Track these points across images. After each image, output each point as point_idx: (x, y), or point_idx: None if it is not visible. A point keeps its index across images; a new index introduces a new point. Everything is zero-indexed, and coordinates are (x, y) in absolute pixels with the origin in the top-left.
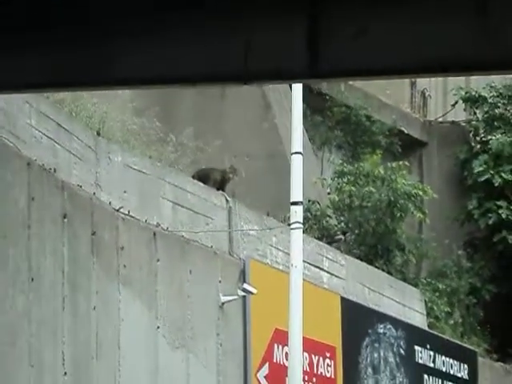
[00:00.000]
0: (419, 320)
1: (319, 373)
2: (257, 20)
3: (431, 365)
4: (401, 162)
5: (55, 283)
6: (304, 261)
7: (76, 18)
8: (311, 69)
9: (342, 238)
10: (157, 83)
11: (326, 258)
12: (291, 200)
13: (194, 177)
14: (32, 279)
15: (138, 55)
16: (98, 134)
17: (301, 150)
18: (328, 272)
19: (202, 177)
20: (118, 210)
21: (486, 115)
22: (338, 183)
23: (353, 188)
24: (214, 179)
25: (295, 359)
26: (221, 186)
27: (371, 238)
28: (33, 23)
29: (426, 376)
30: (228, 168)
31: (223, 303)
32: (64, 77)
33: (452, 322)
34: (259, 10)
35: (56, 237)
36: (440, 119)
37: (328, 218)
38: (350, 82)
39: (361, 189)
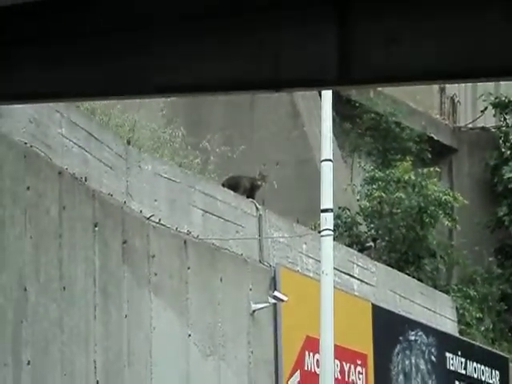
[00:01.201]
0: (450, 327)
1: (350, 380)
2: (287, 28)
3: (463, 371)
4: (432, 169)
5: (87, 292)
6: (334, 268)
7: (109, 27)
8: (342, 75)
9: (373, 244)
10: (189, 91)
11: (357, 265)
12: (321, 207)
13: (223, 185)
14: (64, 288)
15: (172, 64)
16: (129, 142)
17: (330, 157)
18: (359, 279)
19: (232, 184)
20: (148, 219)
21: None
22: (368, 189)
23: (383, 194)
24: (244, 187)
25: (326, 367)
26: (250, 193)
27: (401, 245)
28: (65, 34)
29: (457, 382)
30: (257, 175)
31: (254, 311)
32: (97, 86)
33: (483, 328)
34: (289, 17)
35: (87, 245)
36: (470, 125)
37: (358, 225)
38: (379, 89)
39: (391, 195)
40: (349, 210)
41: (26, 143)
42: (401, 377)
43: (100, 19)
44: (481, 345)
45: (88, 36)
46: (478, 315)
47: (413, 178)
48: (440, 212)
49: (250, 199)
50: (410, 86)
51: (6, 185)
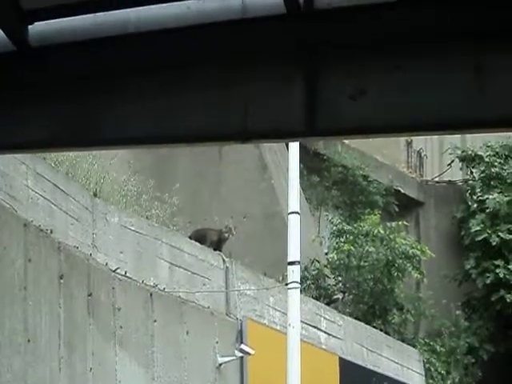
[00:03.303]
0: (418, 380)
1: None
2: (255, 80)
3: None
4: (400, 222)
5: (51, 344)
6: (302, 321)
7: (67, 78)
8: (309, 127)
9: (340, 297)
10: (154, 142)
11: (324, 318)
12: (288, 260)
13: (190, 237)
14: (28, 340)
15: (134, 115)
16: (95, 195)
17: (298, 210)
18: (326, 332)
19: (199, 237)
20: (114, 271)
21: (482, 174)
22: (337, 242)
23: (352, 247)
24: (211, 239)
25: None
26: (217, 246)
27: (369, 298)
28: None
29: None
30: (224, 228)
31: (220, 364)
32: (60, 137)
33: (450, 382)
34: (257, 70)
35: (52, 298)
36: (436, 179)
37: (326, 278)
38: (347, 142)
39: (360, 248)
40: (318, 261)
41: None
42: None
43: (57, 69)
44: None
45: (45, 86)
46: (444, 370)
47: (382, 231)
48: (408, 265)
49: (217, 252)
50: (378, 137)
51: None
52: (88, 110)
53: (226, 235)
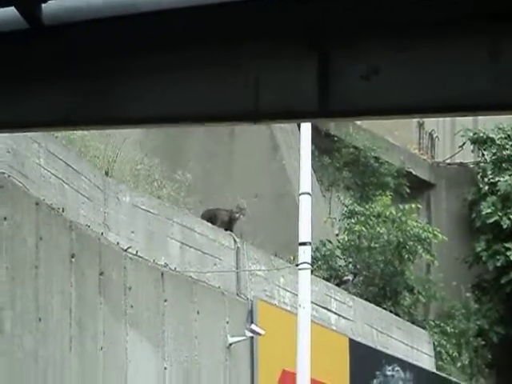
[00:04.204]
0: (427, 362)
1: None
2: (266, 60)
3: None
4: (413, 205)
5: (62, 323)
6: (312, 302)
7: (81, 56)
8: (321, 108)
9: (351, 279)
10: (165, 122)
11: (334, 299)
12: (299, 240)
13: (202, 217)
14: (39, 319)
15: (146, 94)
16: (107, 174)
17: (309, 191)
18: (336, 313)
19: (210, 217)
20: (125, 250)
21: (493, 157)
22: (348, 223)
23: (363, 228)
24: (222, 219)
25: None
26: (228, 226)
27: (379, 280)
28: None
29: None
30: (235, 208)
31: (231, 344)
32: (72, 116)
33: (460, 364)
34: (269, 49)
35: (64, 277)
36: (448, 161)
37: (336, 259)
38: (358, 123)
39: (371, 230)
40: (330, 242)
41: (3, 173)
42: None
43: (71, 47)
44: (458, 381)
45: (56, 65)
46: (454, 352)
47: (394, 213)
48: (419, 247)
49: (228, 232)
50: (390, 119)
51: None
52: (99, 89)
53: (237, 215)
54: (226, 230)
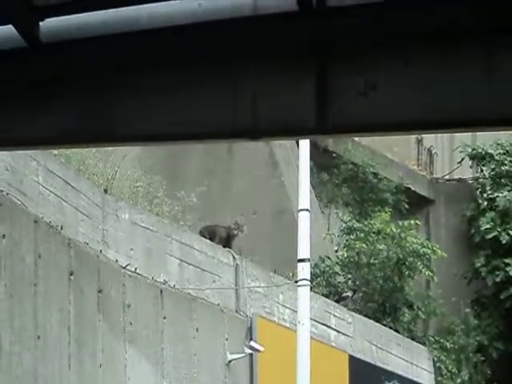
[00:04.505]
0: (427, 378)
1: None
2: (264, 77)
3: None
4: (412, 221)
5: (61, 341)
6: (311, 318)
7: (79, 73)
8: (320, 124)
9: (350, 295)
10: (164, 140)
11: (334, 315)
12: (298, 257)
13: (200, 233)
14: (38, 337)
15: (144, 112)
16: (106, 191)
17: (308, 207)
18: (335, 330)
19: (208, 233)
20: (124, 268)
21: (492, 172)
22: (347, 240)
23: (364, 245)
24: (220, 236)
25: None
26: (226, 242)
27: (379, 296)
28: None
29: None
30: (233, 224)
31: (230, 361)
32: (70, 133)
33: (460, 380)
34: (266, 67)
35: (62, 294)
36: (447, 176)
37: (336, 275)
38: (357, 140)
39: (370, 246)
40: (329, 258)
41: (1, 191)
42: None
43: (69, 65)
44: None
45: (56, 82)
46: (454, 368)
47: (394, 229)
48: (418, 263)
49: (227, 249)
50: (389, 135)
51: None
52: (99, 106)
53: (235, 232)
54: (224, 246)
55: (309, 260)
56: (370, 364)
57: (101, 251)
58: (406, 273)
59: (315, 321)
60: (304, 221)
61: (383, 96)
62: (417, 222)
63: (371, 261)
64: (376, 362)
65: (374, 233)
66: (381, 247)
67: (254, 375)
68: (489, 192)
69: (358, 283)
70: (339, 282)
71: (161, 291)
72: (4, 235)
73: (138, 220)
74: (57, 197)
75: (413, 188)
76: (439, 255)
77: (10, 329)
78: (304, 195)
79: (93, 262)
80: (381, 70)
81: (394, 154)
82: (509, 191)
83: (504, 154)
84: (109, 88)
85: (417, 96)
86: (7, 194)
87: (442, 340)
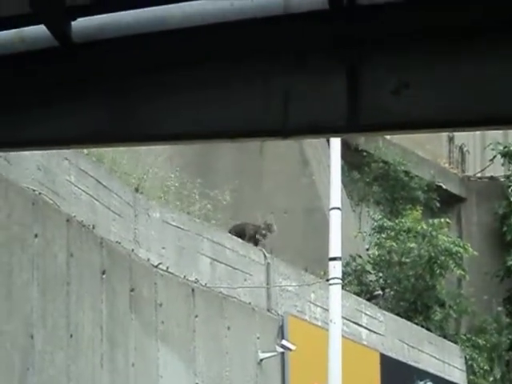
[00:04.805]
0: (459, 376)
1: None
2: (295, 75)
3: None
4: (443, 220)
5: (94, 339)
6: (343, 317)
7: (111, 72)
8: (351, 123)
9: (381, 293)
10: (195, 138)
11: (365, 314)
12: (330, 255)
13: (230, 232)
14: (71, 335)
15: (175, 111)
16: (137, 190)
17: (339, 206)
18: (367, 328)
19: (237, 232)
20: (156, 267)
21: None
22: (378, 238)
23: (394, 244)
24: (249, 234)
25: None
26: (255, 241)
27: (410, 295)
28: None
29: None
30: (263, 224)
31: (261, 360)
32: (101, 132)
33: (492, 378)
34: (298, 64)
35: (95, 293)
36: (478, 174)
37: (367, 274)
38: (388, 138)
39: (402, 245)
40: (361, 257)
41: (34, 190)
42: None
43: (101, 64)
44: None
45: (87, 82)
46: (486, 366)
47: (425, 227)
48: (450, 262)
49: (259, 247)
50: (420, 133)
51: (14, 232)
52: (129, 106)
53: (264, 232)
54: (254, 245)
55: (340, 258)
56: (401, 363)
57: (132, 250)
58: (438, 271)
59: (347, 319)
60: (335, 219)
61: (415, 94)
62: (447, 220)
63: (402, 259)
64: (408, 360)
65: (404, 231)
66: (412, 246)
67: (285, 374)
68: None
69: (389, 282)
70: (370, 281)
71: (192, 290)
72: (36, 234)
73: (170, 219)
74: (89, 196)
75: (444, 186)
76: (471, 253)
77: (43, 328)
78: (335, 194)
79: (125, 261)
80: (413, 67)
81: (426, 152)
82: None
83: None
84: (137, 88)
85: (449, 93)
86: (40, 193)
87: (474, 338)
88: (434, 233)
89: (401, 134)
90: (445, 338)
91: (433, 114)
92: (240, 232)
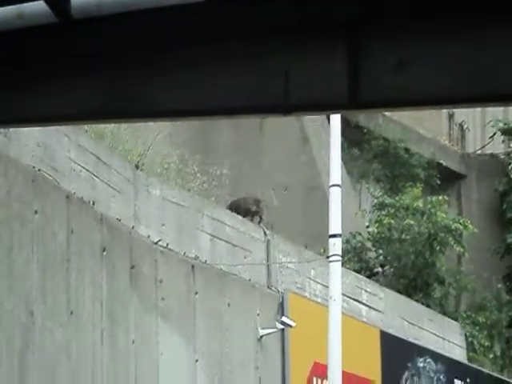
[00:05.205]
0: (459, 353)
1: None
2: (296, 51)
3: None
4: (441, 197)
5: (94, 316)
6: (343, 294)
7: (111, 49)
8: (351, 99)
9: (381, 271)
10: (195, 115)
11: (365, 291)
12: (330, 232)
13: (229, 208)
14: (71, 312)
15: (175, 87)
16: (137, 167)
17: (339, 183)
18: (367, 305)
19: (235, 207)
20: (156, 243)
21: None
22: (378, 215)
23: (392, 221)
24: (244, 209)
25: None
26: (251, 215)
27: (410, 271)
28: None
29: None
30: (252, 201)
31: (262, 336)
32: (100, 109)
33: (492, 355)
34: (298, 41)
35: (95, 270)
36: (478, 151)
37: (367, 251)
38: (388, 115)
39: (400, 222)
40: (360, 234)
41: (34, 167)
42: None
43: (100, 40)
44: (489, 372)
45: (86, 58)
46: (486, 343)
47: (421, 205)
48: (450, 239)
49: (259, 224)
50: (420, 110)
51: (14, 209)
52: (128, 82)
53: (254, 208)
54: (250, 220)
55: (340, 236)
56: (401, 339)
57: (133, 227)
58: (438, 248)
59: (347, 296)
60: (335, 196)
61: (415, 71)
62: (445, 197)
63: (402, 236)
64: (408, 337)
65: (403, 208)
66: (411, 223)
67: (285, 350)
68: None
69: (389, 259)
70: (370, 258)
71: (192, 267)
72: (36, 211)
73: (170, 196)
74: (88, 172)
75: (444, 163)
76: (470, 230)
77: (43, 304)
78: (335, 171)
79: (125, 238)
80: (413, 45)
81: (426, 130)
82: None
83: None
84: (136, 64)
85: (449, 70)
86: (39, 170)
87: (474, 315)
88: (433, 210)
89: (401, 110)
90: (445, 315)
91: (433, 91)
92: (237, 208)
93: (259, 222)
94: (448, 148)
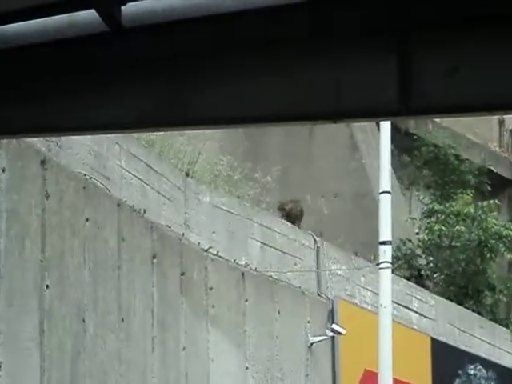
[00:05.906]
0: (510, 360)
1: None
2: (348, 59)
3: None
4: (491, 201)
5: (145, 323)
6: (393, 301)
7: (163, 58)
8: (402, 106)
9: (426, 275)
10: (245, 122)
11: (416, 298)
12: (380, 239)
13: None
14: (122, 319)
15: (226, 95)
16: (187, 174)
17: (389, 190)
18: (417, 312)
19: (281, 212)
20: (206, 251)
21: None
22: (428, 222)
23: (443, 227)
24: (286, 212)
25: None
26: (292, 219)
27: (461, 279)
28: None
29: None
30: (290, 204)
31: (312, 343)
32: (149, 117)
33: None
34: (350, 49)
35: (146, 277)
36: None
37: (417, 258)
38: (438, 121)
39: (451, 228)
40: (411, 241)
41: (85, 175)
42: None
43: (150, 49)
44: None
45: (137, 67)
46: None
47: (472, 211)
48: (501, 246)
49: (309, 231)
50: (471, 116)
51: (66, 216)
52: (177, 90)
53: (291, 210)
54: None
55: (390, 242)
56: (452, 347)
57: (183, 234)
58: (488, 255)
59: (397, 303)
60: (385, 203)
61: (466, 77)
62: (496, 202)
63: (452, 243)
64: (458, 344)
65: (453, 214)
66: (461, 229)
67: (335, 358)
68: None
69: (439, 266)
70: (421, 265)
71: (242, 274)
72: (88, 219)
73: (219, 203)
74: (139, 180)
75: (495, 170)
76: None
77: (94, 312)
78: (385, 177)
79: (175, 246)
80: (464, 51)
81: (476, 136)
82: None
83: None
84: (187, 72)
85: (500, 77)
86: (90, 178)
87: None
88: (483, 216)
89: (451, 117)
90: (495, 322)
91: (483, 98)
92: (282, 211)
93: (299, 227)
94: (498, 154)
